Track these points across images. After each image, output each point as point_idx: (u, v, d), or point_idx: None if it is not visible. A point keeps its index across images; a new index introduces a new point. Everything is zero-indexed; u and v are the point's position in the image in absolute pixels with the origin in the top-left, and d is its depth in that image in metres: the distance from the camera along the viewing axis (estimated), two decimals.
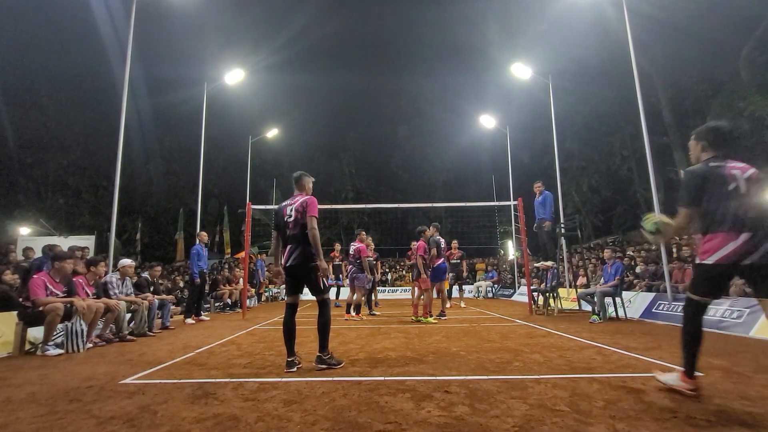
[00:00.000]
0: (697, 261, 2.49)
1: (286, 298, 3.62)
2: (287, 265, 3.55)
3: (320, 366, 3.43)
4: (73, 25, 24.86)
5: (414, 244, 7.33)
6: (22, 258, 7.64)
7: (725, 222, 2.35)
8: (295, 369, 3.37)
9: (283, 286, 13.62)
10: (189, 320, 7.74)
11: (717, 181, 2.41)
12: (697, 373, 2.51)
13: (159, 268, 7.62)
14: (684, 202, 2.45)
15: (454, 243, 11.04)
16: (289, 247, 3.56)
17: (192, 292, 8.23)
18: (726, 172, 2.43)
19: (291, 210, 3.61)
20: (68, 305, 4.73)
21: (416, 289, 7.44)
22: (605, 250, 8.10)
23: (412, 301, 7.71)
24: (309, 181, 3.88)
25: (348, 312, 7.71)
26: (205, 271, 8.31)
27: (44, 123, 23.79)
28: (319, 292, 3.55)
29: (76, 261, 5.59)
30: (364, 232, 8.25)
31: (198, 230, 9.21)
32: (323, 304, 3.55)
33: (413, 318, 7.17)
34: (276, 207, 3.62)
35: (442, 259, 7.68)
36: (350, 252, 7.98)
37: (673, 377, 2.59)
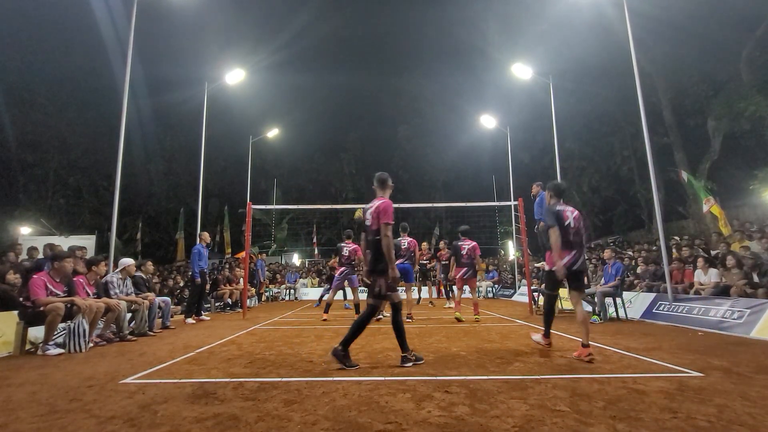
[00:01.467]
0: (548, 268, 4.14)
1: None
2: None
3: (406, 365, 3.46)
4: (73, 25, 24.86)
5: (467, 244, 7.31)
6: (26, 257, 7.64)
7: (566, 244, 3.87)
8: (410, 365, 3.47)
9: (283, 286, 13.64)
10: (189, 320, 7.74)
11: (561, 218, 3.94)
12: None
13: (150, 264, 7.42)
14: (552, 225, 3.89)
15: (442, 243, 11.17)
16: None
17: (193, 292, 8.22)
18: (563, 214, 3.98)
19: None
20: (68, 305, 4.74)
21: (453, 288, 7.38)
22: (606, 251, 8.10)
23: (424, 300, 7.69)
24: (390, 180, 3.94)
25: (326, 312, 7.63)
26: (205, 270, 8.30)
27: (45, 123, 23.72)
28: (371, 296, 3.65)
29: (76, 261, 5.59)
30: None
31: (199, 230, 9.20)
32: (372, 307, 3.60)
33: (476, 318, 7.22)
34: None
35: (401, 260, 7.54)
36: (344, 254, 7.83)
37: (537, 337, 4.34)
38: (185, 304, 8.76)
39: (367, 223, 3.70)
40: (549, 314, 4.29)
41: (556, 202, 4.15)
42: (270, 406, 2.46)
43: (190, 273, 8.23)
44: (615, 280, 7.14)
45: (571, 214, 4.00)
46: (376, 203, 3.70)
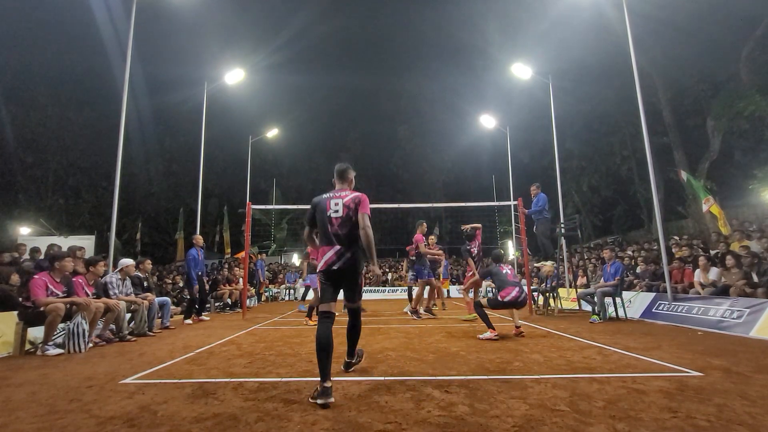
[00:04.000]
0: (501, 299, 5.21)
1: (320, 306, 2.98)
2: (332, 268, 2.96)
3: (349, 370, 3.34)
4: (73, 25, 24.87)
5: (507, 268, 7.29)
6: (28, 258, 7.64)
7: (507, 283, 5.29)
8: (332, 399, 2.51)
9: (284, 286, 13.46)
10: (188, 321, 7.73)
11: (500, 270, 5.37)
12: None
13: (148, 262, 7.32)
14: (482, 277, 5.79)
15: (432, 238, 10.22)
16: (336, 248, 2.97)
17: (191, 297, 8.07)
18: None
19: (337, 204, 3.02)
20: (68, 305, 4.73)
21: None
22: (605, 250, 8.10)
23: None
24: (353, 174, 3.32)
25: (309, 316, 6.93)
26: (201, 275, 8.10)
27: (44, 123, 23.70)
28: (358, 299, 3.16)
29: (76, 261, 5.59)
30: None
31: (197, 231, 9.16)
32: (358, 313, 3.22)
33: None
34: (315, 200, 3.16)
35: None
36: None
37: (486, 334, 5.04)
38: (184, 304, 8.73)
39: (334, 215, 3.00)
40: (485, 316, 5.27)
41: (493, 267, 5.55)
42: (270, 406, 2.45)
43: (187, 279, 8.06)
44: (614, 279, 7.14)
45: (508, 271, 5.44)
46: (348, 194, 3.08)
